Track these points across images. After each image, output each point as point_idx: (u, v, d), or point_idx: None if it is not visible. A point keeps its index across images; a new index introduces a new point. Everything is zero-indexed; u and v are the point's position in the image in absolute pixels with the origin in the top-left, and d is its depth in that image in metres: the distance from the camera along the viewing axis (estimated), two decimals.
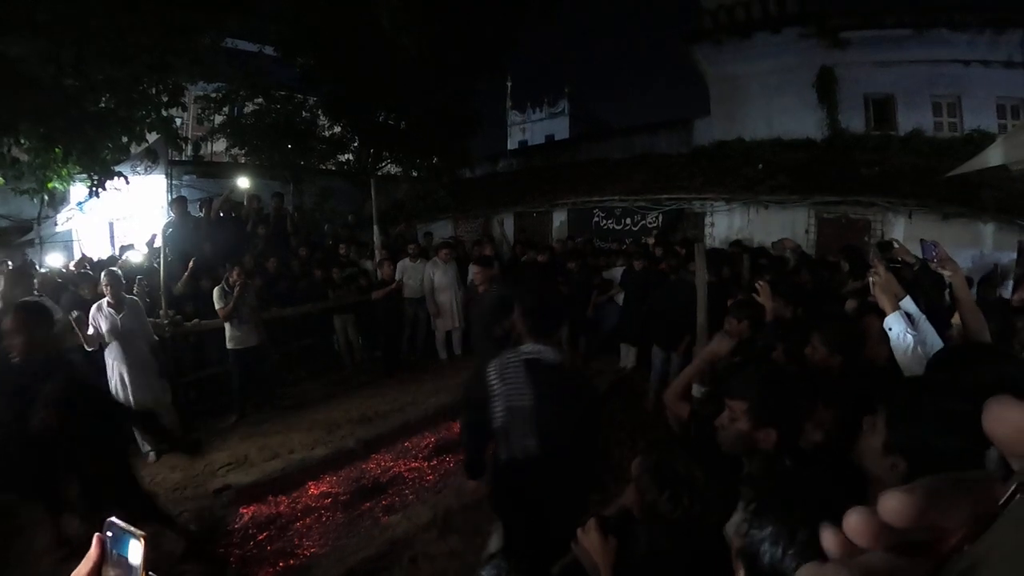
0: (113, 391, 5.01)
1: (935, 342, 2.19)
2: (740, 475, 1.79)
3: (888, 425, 1.36)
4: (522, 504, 2.54)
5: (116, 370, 5.06)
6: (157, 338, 5.56)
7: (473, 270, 5.68)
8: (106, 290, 5.01)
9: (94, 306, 5.04)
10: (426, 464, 5.20)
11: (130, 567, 0.68)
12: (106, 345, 5.02)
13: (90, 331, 4.86)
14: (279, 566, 3.78)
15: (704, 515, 1.42)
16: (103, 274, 5.16)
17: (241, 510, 4.42)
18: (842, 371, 2.40)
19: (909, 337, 2.17)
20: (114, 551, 0.69)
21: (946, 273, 2.63)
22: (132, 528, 0.69)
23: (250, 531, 4.16)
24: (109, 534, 0.70)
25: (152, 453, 5.18)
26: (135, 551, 0.68)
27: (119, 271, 5.31)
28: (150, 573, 0.68)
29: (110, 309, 5.01)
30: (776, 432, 1.71)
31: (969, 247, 7.87)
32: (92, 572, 0.69)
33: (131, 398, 5.03)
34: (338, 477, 4.94)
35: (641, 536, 1.55)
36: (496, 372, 2.46)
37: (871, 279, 2.40)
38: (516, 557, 1.58)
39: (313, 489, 4.76)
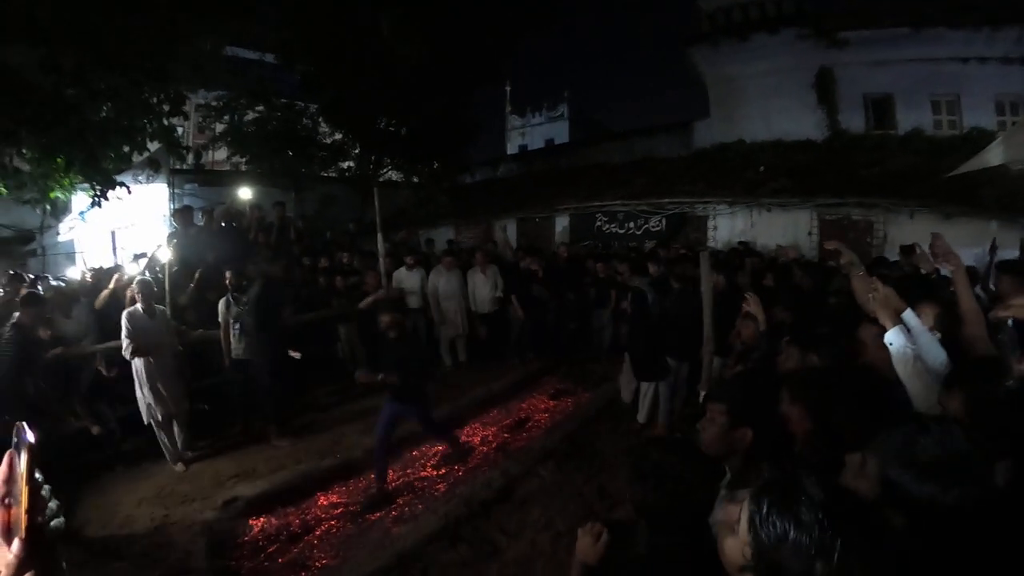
0: (143, 398, 5.11)
1: (937, 355, 2.16)
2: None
3: (881, 476, 1.35)
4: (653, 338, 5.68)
5: (149, 377, 5.09)
6: (180, 348, 5.62)
7: None
8: (138, 298, 5.11)
9: (126, 313, 5.06)
10: (435, 473, 5.20)
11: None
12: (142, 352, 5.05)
13: (123, 339, 4.94)
14: None
15: (694, 493, 1.51)
16: (135, 283, 5.24)
17: (250, 522, 4.42)
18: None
19: (908, 351, 2.14)
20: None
21: (948, 268, 2.59)
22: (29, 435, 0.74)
23: (260, 543, 4.16)
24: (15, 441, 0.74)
25: (180, 464, 5.22)
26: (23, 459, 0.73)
27: (151, 279, 5.38)
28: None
29: (145, 315, 5.08)
30: (751, 431, 1.78)
31: (972, 246, 7.84)
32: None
33: (169, 405, 5.17)
34: (347, 487, 4.93)
35: (640, 539, 1.59)
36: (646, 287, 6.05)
37: (870, 294, 2.35)
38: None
39: (322, 500, 4.75)
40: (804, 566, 0.93)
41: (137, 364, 5.10)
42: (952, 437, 1.32)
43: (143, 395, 5.12)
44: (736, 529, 1.08)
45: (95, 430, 5.20)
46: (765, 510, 1.00)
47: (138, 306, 5.12)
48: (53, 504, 0.76)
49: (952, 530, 1.22)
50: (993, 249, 6.31)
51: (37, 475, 0.73)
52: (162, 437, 5.24)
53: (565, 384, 7.39)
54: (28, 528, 0.70)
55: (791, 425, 1.92)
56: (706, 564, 1.49)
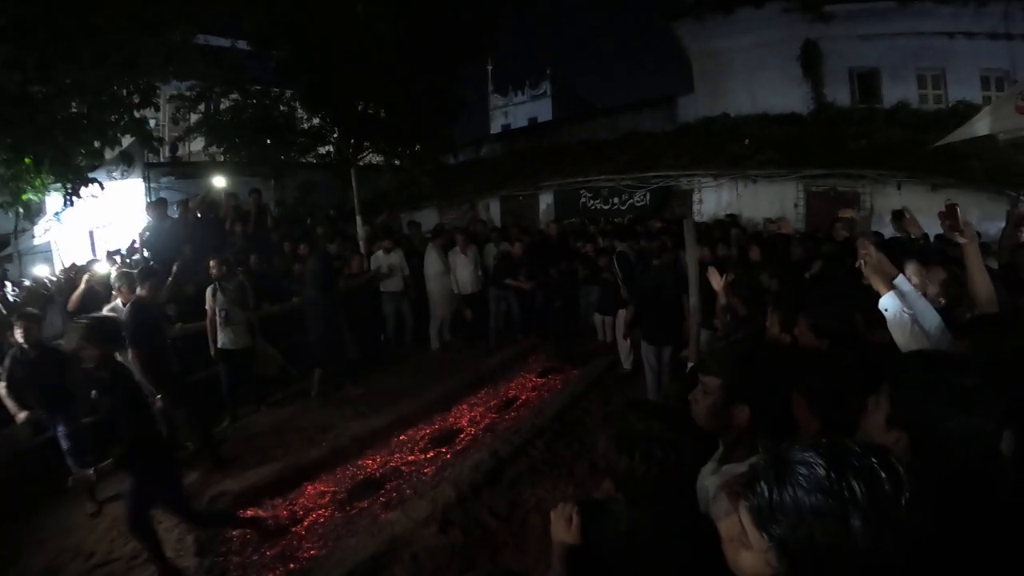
0: None
1: (932, 318, 2.14)
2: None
3: (892, 399, 1.33)
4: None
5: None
6: (168, 340, 5.47)
7: None
8: (120, 292, 4.97)
9: (107, 308, 4.95)
10: (423, 457, 5.16)
11: None
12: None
13: None
14: (279, 571, 3.73)
15: (681, 464, 1.42)
16: (114, 277, 5.13)
17: (238, 515, 4.35)
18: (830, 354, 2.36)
19: (906, 316, 2.11)
20: None
21: (961, 240, 2.53)
22: None
23: (248, 536, 4.10)
24: None
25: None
26: None
27: (131, 272, 5.23)
28: None
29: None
30: (748, 409, 1.70)
31: None
32: None
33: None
34: (334, 476, 4.87)
35: (621, 515, 1.52)
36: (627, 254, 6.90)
37: (860, 260, 2.31)
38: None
39: (310, 489, 4.69)
40: (838, 529, 0.81)
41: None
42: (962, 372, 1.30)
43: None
44: (746, 540, 0.94)
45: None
46: (767, 496, 0.87)
47: (118, 301, 4.98)
48: None
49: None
50: (1015, 203, 6.37)
51: None
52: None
53: (553, 362, 7.37)
54: None
55: (800, 420, 1.85)
56: (691, 538, 1.42)
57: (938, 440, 1.24)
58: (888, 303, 2.17)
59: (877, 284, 2.23)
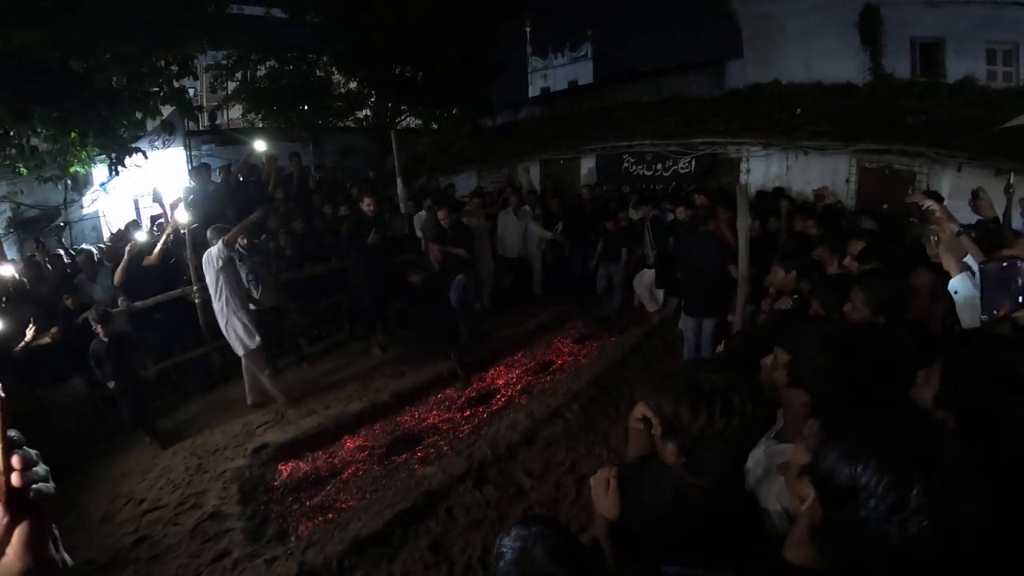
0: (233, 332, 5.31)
1: None
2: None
3: (943, 378, 1.26)
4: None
5: (235, 313, 5.27)
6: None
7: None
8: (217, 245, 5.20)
9: (204, 258, 5.24)
10: (460, 415, 5.21)
11: None
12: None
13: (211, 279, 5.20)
14: (318, 520, 3.83)
15: (742, 429, 1.28)
16: (209, 230, 5.37)
17: (279, 467, 4.48)
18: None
19: (979, 300, 1.98)
20: None
21: None
22: None
23: (289, 487, 4.22)
24: None
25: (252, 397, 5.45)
26: None
27: (224, 226, 5.44)
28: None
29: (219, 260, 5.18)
30: (807, 396, 1.56)
31: None
32: None
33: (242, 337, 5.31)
34: (373, 431, 4.97)
35: (666, 481, 1.41)
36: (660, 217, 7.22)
37: (933, 237, 2.22)
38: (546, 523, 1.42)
39: (349, 443, 4.80)
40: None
41: (221, 303, 5.26)
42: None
43: (232, 330, 5.29)
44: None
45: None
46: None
47: (213, 248, 5.19)
48: (40, 469, 0.68)
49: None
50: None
51: (11, 434, 0.65)
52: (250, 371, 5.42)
53: (590, 328, 7.29)
54: (5, 491, 0.64)
55: None
56: (734, 515, 1.36)
57: (987, 423, 1.17)
58: (958, 285, 2.07)
59: (949, 264, 2.12)
